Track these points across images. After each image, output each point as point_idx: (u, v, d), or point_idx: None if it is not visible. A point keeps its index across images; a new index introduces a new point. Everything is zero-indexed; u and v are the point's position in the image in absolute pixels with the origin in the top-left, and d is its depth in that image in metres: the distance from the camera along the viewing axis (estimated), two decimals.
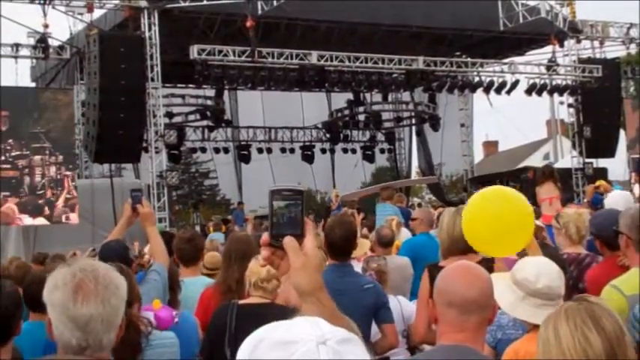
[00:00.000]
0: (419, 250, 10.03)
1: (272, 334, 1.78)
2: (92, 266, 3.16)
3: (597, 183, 18.90)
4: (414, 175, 44.14)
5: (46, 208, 23.72)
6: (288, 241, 2.23)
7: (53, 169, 23.99)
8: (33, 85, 30.29)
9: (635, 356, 2.78)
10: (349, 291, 6.37)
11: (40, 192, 23.70)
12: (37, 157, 23.81)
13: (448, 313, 3.55)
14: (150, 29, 24.28)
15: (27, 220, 23.46)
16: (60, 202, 23.89)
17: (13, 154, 23.42)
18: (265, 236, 2.28)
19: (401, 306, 7.63)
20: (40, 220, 23.57)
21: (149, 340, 4.82)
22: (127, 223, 6.64)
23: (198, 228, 27.61)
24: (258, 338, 1.80)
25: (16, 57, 24.71)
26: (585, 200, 19.38)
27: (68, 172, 24.27)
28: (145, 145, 24.71)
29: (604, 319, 2.74)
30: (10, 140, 23.41)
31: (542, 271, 4.39)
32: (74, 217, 23.76)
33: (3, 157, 23.26)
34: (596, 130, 30.91)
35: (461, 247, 5.78)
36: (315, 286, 2.26)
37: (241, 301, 5.97)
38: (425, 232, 11.10)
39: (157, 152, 24.77)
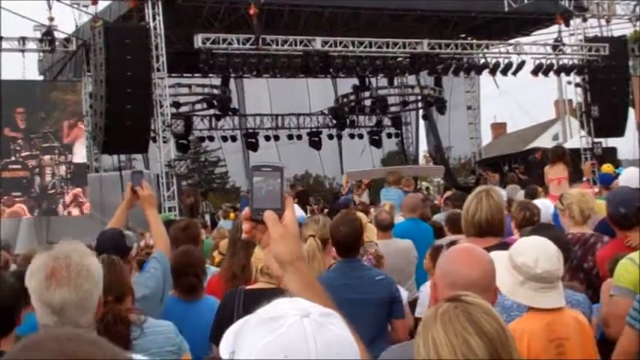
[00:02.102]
0: (404, 236, 10.00)
1: (256, 315, 1.88)
2: (66, 253, 3.32)
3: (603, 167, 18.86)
4: (421, 160, 44.11)
5: (55, 208, 23.85)
6: (268, 215, 2.33)
7: (63, 168, 24.06)
8: (41, 78, 30.34)
9: (519, 355, 2.69)
10: (359, 285, 6.40)
11: (51, 192, 23.79)
12: (47, 157, 23.86)
13: (449, 294, 3.58)
14: (154, 19, 24.25)
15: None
16: (67, 200, 23.98)
17: (23, 154, 23.50)
18: (247, 211, 2.39)
19: None
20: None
21: (143, 329, 4.86)
22: (128, 205, 6.60)
23: (207, 217, 27.69)
24: (242, 320, 1.91)
25: (22, 51, 24.74)
26: (585, 179, 19.32)
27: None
28: (152, 135, 24.77)
29: (483, 321, 2.60)
30: (20, 141, 23.50)
31: (542, 255, 4.37)
32: (76, 211, 23.90)
33: (13, 158, 23.37)
34: (604, 109, 30.75)
35: (474, 231, 5.80)
36: (294, 256, 2.33)
37: (248, 287, 6.03)
38: (410, 218, 11.13)
39: (164, 142, 24.77)
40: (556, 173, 14.37)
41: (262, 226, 2.36)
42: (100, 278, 3.46)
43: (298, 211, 17.33)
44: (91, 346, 1.34)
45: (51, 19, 24.31)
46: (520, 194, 15.79)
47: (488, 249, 4.50)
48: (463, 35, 32.44)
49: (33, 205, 23.53)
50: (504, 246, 5.67)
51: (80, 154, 24.45)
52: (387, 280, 6.73)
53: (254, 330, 1.83)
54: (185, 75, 33.94)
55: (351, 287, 6.28)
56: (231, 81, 34.54)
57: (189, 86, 33.57)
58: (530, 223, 7.76)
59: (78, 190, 24.08)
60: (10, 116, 23.24)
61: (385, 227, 9.86)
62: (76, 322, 3.27)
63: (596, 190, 14.41)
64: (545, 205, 8.76)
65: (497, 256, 4.00)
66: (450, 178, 39.38)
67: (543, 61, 30.87)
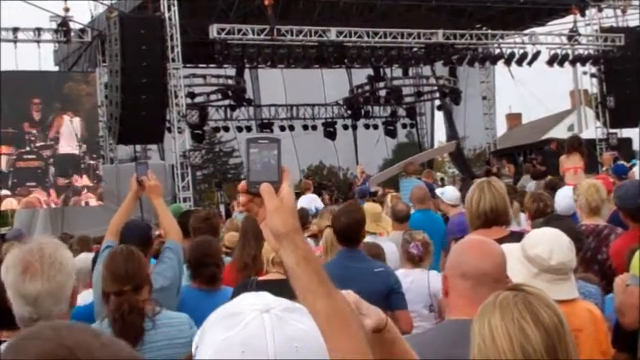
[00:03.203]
0: (416, 227, 9.95)
1: (218, 310, 1.88)
2: (39, 246, 3.48)
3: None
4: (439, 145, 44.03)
5: (66, 196, 23.91)
6: (265, 187, 2.27)
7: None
8: (56, 69, 30.42)
9: (576, 351, 2.66)
10: (358, 276, 6.38)
11: (65, 182, 23.88)
12: None
13: (460, 285, 3.58)
14: (169, 10, 24.28)
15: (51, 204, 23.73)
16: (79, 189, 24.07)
17: (37, 144, 23.58)
18: (243, 184, 2.33)
19: (429, 280, 7.61)
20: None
21: (155, 321, 4.89)
22: (134, 197, 6.51)
23: (222, 207, 27.75)
24: (208, 317, 1.90)
25: (38, 41, 24.84)
26: (604, 169, 19.25)
27: (92, 162, 24.39)
28: (167, 125, 24.84)
29: (542, 311, 2.59)
30: (35, 131, 23.58)
31: (555, 247, 4.34)
32: (93, 202, 24.02)
33: (28, 148, 23.46)
34: (619, 99, 30.69)
35: (479, 222, 5.80)
36: (290, 229, 2.27)
37: (260, 277, 6.04)
38: (419, 209, 11.09)
39: (179, 132, 24.85)
40: (573, 163, 14.32)
41: (259, 199, 2.30)
42: (73, 270, 3.60)
43: (316, 202, 17.33)
44: (86, 335, 1.37)
45: (66, 9, 24.42)
46: (531, 185, 15.70)
47: (501, 240, 4.50)
48: (478, 25, 32.42)
49: (49, 195, 23.61)
50: (515, 236, 5.66)
51: (65, 144, 24.37)
52: (386, 273, 6.73)
53: (215, 326, 1.83)
54: (200, 65, 33.96)
55: (349, 278, 6.28)
56: (246, 71, 34.55)
57: (204, 77, 33.58)
58: (544, 214, 7.73)
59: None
60: (27, 107, 23.33)
61: (402, 218, 9.85)
62: (49, 312, 3.41)
63: (611, 180, 14.38)
64: (569, 195, 8.65)
65: (510, 248, 4.00)
66: (466, 168, 39.29)
67: (559, 51, 30.84)
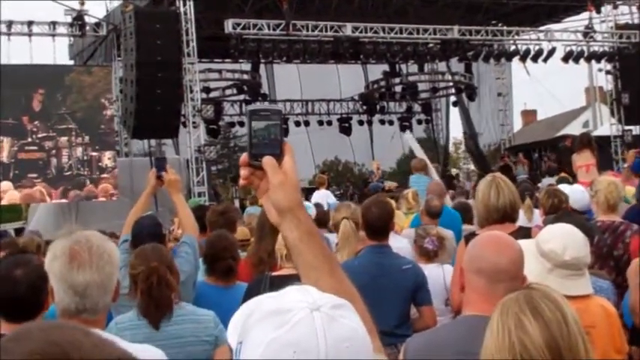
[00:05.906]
0: None
1: (262, 306, 1.78)
2: (86, 238, 3.46)
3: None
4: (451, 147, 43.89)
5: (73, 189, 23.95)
6: (267, 160, 2.20)
7: (80, 150, 24.17)
8: (71, 62, 30.47)
9: (587, 347, 2.60)
10: (388, 273, 6.39)
11: (67, 173, 23.90)
12: (64, 139, 24.00)
13: (477, 280, 3.57)
14: (185, 4, 24.32)
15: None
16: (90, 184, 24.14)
17: (39, 135, 23.62)
18: (244, 156, 2.25)
19: (444, 274, 7.55)
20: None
21: (171, 314, 4.88)
22: (152, 191, 6.56)
23: (237, 202, 27.76)
24: (247, 310, 1.81)
25: (53, 35, 24.92)
26: (626, 165, 19.15)
27: (94, 153, 24.41)
28: (182, 120, 24.85)
29: (542, 304, 2.54)
30: (37, 122, 23.61)
31: (569, 243, 4.34)
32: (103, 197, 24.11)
33: (30, 139, 23.51)
34: (634, 96, 30.57)
35: (497, 216, 5.80)
36: (293, 203, 2.21)
37: (274, 273, 6.04)
38: None
39: (194, 127, 24.87)
40: (584, 160, 14.32)
41: (260, 172, 2.23)
42: (118, 263, 3.58)
43: (329, 198, 17.27)
44: (77, 333, 1.34)
45: (82, 3, 24.47)
46: (545, 181, 15.62)
47: (512, 236, 4.50)
48: (494, 22, 32.32)
49: (55, 189, 23.63)
50: (525, 230, 5.67)
51: None
52: (413, 269, 6.68)
53: (262, 323, 1.74)
54: (215, 60, 34.04)
55: (379, 275, 6.28)
56: (262, 66, 34.54)
57: (219, 71, 33.61)
58: (558, 210, 7.72)
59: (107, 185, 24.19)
60: (28, 98, 23.35)
61: (435, 214, 9.79)
62: (96, 303, 3.40)
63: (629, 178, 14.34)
64: (584, 191, 8.65)
65: (524, 244, 3.99)
66: (483, 164, 39.18)
67: (574, 48, 30.78)
